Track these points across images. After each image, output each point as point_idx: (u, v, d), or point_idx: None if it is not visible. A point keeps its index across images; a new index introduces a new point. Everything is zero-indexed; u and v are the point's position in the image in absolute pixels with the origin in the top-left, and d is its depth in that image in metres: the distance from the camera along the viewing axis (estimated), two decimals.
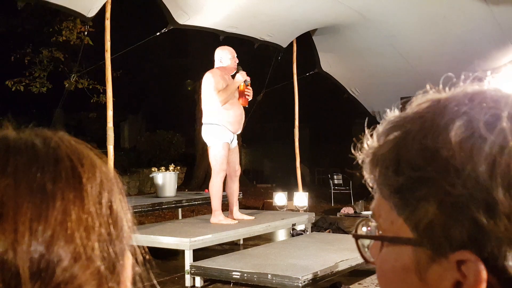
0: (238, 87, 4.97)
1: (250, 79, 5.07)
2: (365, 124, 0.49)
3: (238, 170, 5.18)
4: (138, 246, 0.45)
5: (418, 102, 0.45)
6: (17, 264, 0.36)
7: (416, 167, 0.41)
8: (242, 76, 4.94)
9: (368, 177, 0.47)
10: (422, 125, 0.43)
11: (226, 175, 5.05)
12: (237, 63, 5.07)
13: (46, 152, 0.40)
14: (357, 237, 0.48)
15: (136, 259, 0.45)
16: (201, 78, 5.02)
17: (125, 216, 0.43)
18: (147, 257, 0.45)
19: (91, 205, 0.39)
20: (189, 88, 16.21)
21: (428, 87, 0.47)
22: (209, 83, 4.89)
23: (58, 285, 0.37)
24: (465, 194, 0.39)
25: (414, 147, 0.42)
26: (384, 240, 0.45)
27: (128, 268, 0.43)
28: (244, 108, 5.12)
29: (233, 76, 5.03)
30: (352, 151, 0.48)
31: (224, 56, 5.06)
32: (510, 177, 0.39)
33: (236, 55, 5.10)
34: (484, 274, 0.39)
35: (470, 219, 0.39)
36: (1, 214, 0.36)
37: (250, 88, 5.09)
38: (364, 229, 0.48)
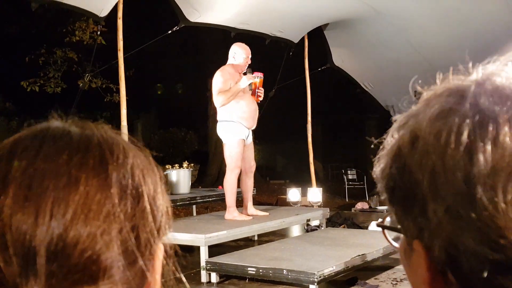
0: (253, 83, 4.94)
1: (263, 75, 5.02)
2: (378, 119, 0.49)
3: (253, 166, 5.16)
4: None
5: (424, 97, 0.46)
6: (35, 245, 0.37)
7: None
8: (247, 79, 4.82)
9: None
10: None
11: (240, 171, 5.05)
12: (249, 64, 4.96)
13: (78, 140, 0.41)
14: (378, 225, 0.51)
15: (165, 254, 0.45)
16: (213, 75, 5.00)
17: (158, 208, 0.43)
18: (174, 252, 0.46)
19: (115, 193, 0.40)
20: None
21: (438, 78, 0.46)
22: (216, 82, 4.85)
23: (74, 267, 0.37)
24: (407, 188, 0.41)
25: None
26: (384, 228, 0.48)
27: (156, 259, 0.44)
28: (257, 104, 5.09)
29: (245, 74, 4.99)
30: (372, 146, 0.50)
31: (238, 54, 4.99)
32: (434, 167, 0.39)
33: (250, 56, 4.99)
34: (424, 262, 0.40)
35: (417, 211, 0.41)
36: (26, 196, 0.38)
37: (262, 88, 5.01)
38: (388, 219, 0.49)
